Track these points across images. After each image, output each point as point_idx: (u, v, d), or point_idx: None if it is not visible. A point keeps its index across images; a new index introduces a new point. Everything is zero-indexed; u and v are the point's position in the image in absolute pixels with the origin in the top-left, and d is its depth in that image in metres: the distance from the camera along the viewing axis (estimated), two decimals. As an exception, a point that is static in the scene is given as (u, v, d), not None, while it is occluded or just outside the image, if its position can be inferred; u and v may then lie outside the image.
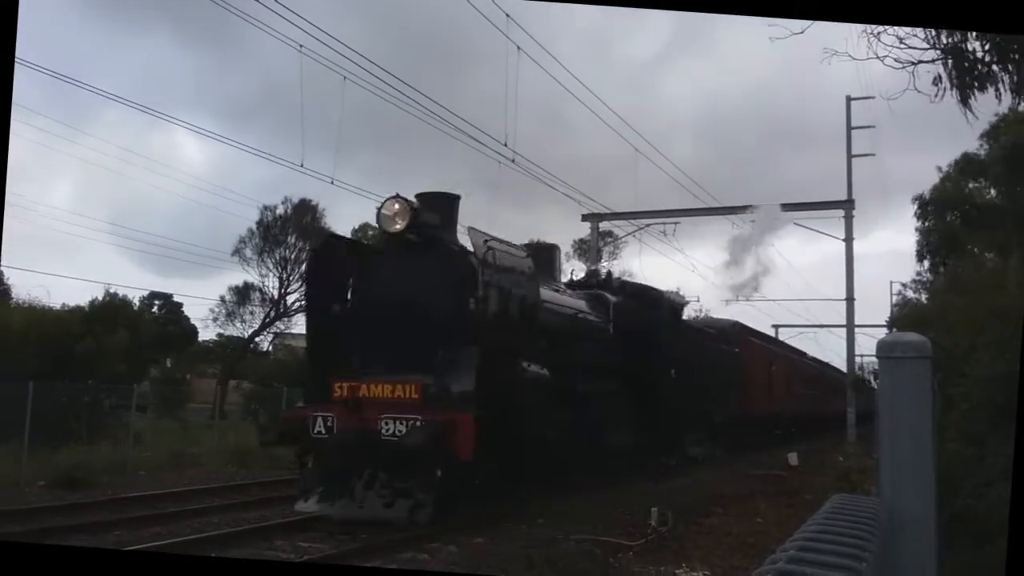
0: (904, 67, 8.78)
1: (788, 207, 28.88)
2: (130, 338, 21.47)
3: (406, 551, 8.77)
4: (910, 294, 23.24)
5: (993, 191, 16.09)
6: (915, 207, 18.61)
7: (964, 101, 8.89)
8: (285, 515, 10.74)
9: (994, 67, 8.75)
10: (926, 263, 19.86)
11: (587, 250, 32.64)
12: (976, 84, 8.83)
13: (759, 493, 15.40)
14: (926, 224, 18.42)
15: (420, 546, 9.06)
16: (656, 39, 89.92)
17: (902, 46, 8.67)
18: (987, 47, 8.63)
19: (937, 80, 8.80)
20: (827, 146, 79.02)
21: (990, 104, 9.34)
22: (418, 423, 9.84)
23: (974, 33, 8.42)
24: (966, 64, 8.75)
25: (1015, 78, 8.85)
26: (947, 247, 17.79)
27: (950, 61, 8.74)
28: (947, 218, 17.89)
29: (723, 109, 79.19)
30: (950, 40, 8.70)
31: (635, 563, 9.03)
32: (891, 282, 63.02)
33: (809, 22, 8.15)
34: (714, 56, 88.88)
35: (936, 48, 8.73)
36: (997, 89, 8.98)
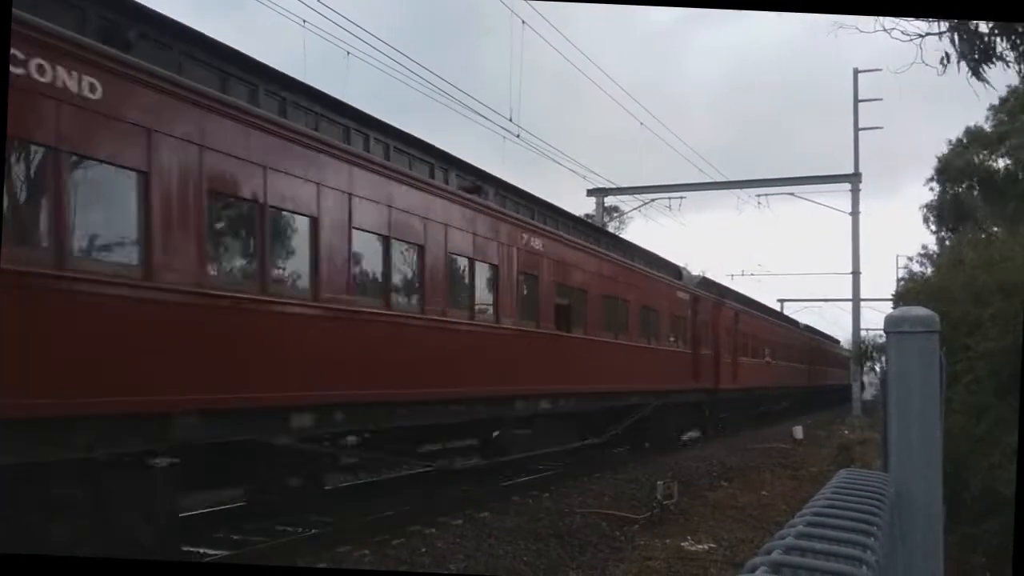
0: (911, 39, 8.72)
1: (796, 180, 28.73)
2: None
3: (415, 524, 8.84)
4: (916, 268, 23.28)
5: (1002, 162, 16.02)
6: (930, 178, 18.75)
7: (976, 73, 8.84)
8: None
9: (998, 40, 8.67)
10: (932, 226, 20.01)
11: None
12: (982, 58, 8.76)
13: (764, 466, 15.52)
14: (941, 192, 18.53)
15: (428, 520, 9.14)
16: (673, 9, 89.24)
17: (909, 19, 8.61)
18: (991, 25, 8.56)
19: (945, 59, 8.76)
20: (839, 117, 78.52)
21: (999, 75, 9.28)
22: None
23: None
24: (965, 36, 8.67)
25: (1021, 50, 8.77)
26: (955, 217, 17.80)
27: (955, 35, 8.67)
28: (956, 189, 17.91)
29: (737, 79, 78.66)
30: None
31: (641, 536, 9.11)
32: (897, 256, 62.72)
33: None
34: (731, 26, 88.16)
35: (942, 21, 8.65)
36: (1004, 61, 8.92)
